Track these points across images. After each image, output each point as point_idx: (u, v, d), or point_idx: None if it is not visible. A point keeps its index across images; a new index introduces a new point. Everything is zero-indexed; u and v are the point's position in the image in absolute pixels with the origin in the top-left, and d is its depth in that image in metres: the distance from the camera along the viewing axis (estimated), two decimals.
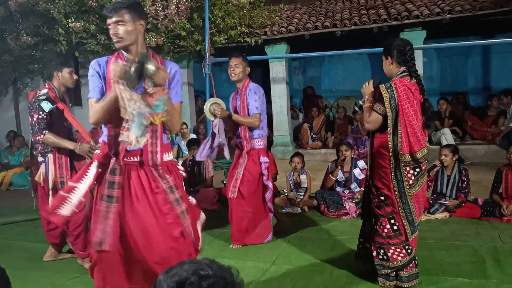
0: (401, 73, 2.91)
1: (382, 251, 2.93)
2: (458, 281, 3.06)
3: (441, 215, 4.63)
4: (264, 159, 3.97)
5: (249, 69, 4.02)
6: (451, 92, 9.08)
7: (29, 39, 6.75)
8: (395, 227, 2.88)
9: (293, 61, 10.88)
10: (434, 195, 4.84)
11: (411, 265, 2.94)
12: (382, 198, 2.88)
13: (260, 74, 10.69)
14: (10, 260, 3.80)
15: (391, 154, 2.82)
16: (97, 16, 6.75)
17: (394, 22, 7.51)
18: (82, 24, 6.51)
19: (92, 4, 6.48)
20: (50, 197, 3.40)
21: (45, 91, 3.38)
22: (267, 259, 3.59)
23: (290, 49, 8.55)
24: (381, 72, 3.13)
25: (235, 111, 3.98)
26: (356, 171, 5.07)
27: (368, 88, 3.03)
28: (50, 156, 3.43)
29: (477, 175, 6.07)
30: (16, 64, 7.80)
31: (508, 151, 4.60)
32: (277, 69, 8.53)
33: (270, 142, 8.44)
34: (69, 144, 3.36)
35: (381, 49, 3.05)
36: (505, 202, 4.51)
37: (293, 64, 11.02)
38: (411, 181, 2.81)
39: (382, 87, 2.84)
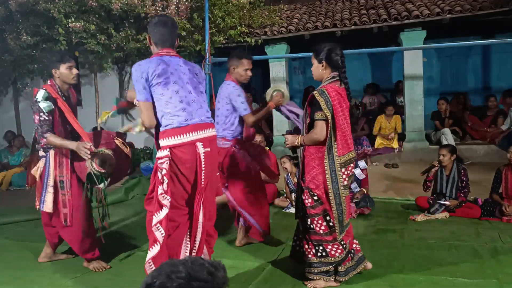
0: (330, 78, 2.98)
1: (321, 248, 2.98)
2: (458, 281, 3.06)
3: (441, 215, 4.63)
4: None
5: None
6: (451, 92, 9.07)
7: (29, 39, 6.75)
8: (330, 224, 2.95)
9: (293, 61, 10.87)
10: (434, 195, 4.84)
11: (347, 259, 3.02)
12: (315, 198, 2.95)
13: (260, 74, 10.68)
14: (10, 260, 3.81)
15: (325, 156, 2.87)
16: (97, 16, 6.75)
17: (394, 22, 7.51)
18: (82, 24, 6.51)
19: (92, 4, 6.48)
20: (48, 194, 3.36)
21: (43, 91, 3.31)
22: (267, 259, 3.59)
23: (290, 49, 8.55)
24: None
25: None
26: (357, 171, 5.06)
27: (291, 139, 3.07)
28: (52, 153, 3.38)
29: (477, 175, 6.07)
30: (16, 64, 7.79)
31: (508, 150, 4.60)
32: (277, 69, 8.53)
33: (270, 142, 8.45)
34: (70, 144, 3.27)
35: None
36: (505, 202, 4.51)
37: (293, 64, 11.01)
38: (345, 182, 2.91)
39: (316, 94, 2.89)
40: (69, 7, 6.50)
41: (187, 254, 2.80)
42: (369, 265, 3.19)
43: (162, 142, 2.69)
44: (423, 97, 7.85)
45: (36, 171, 3.45)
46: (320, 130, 2.87)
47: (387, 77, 9.94)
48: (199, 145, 2.72)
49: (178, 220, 2.77)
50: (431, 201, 4.73)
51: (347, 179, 2.92)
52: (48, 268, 3.60)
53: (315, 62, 3.03)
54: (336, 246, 2.96)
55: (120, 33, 6.89)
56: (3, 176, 7.35)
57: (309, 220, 3.00)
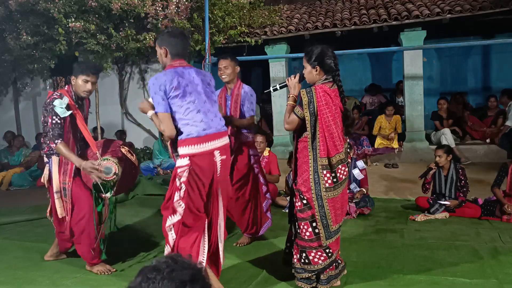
0: (323, 80, 2.97)
1: (304, 254, 2.94)
2: (458, 281, 3.06)
3: (441, 215, 4.63)
4: (253, 151, 4.06)
5: (238, 68, 4.05)
6: (451, 92, 9.08)
7: (29, 38, 6.74)
8: (316, 231, 2.89)
9: (293, 61, 10.87)
10: (434, 196, 4.84)
11: (331, 267, 2.97)
12: (305, 201, 2.91)
13: (260, 74, 10.69)
14: (10, 260, 3.81)
15: (310, 157, 2.87)
16: (97, 16, 6.75)
17: (394, 22, 7.51)
18: (82, 24, 6.52)
19: (92, 4, 6.48)
20: (56, 200, 3.35)
21: (65, 98, 3.27)
22: (267, 259, 3.59)
23: (290, 49, 8.55)
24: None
25: (224, 110, 4.00)
26: (356, 172, 5.07)
27: (293, 82, 3.02)
28: (54, 159, 3.35)
29: (478, 175, 6.07)
30: (16, 64, 7.79)
31: None
32: (277, 69, 8.53)
33: (270, 142, 8.44)
34: (75, 160, 3.24)
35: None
36: (506, 200, 4.50)
37: (293, 64, 11.00)
38: (327, 184, 2.85)
39: (302, 91, 2.90)
40: (69, 7, 6.50)
41: (205, 256, 2.87)
42: (344, 271, 3.18)
43: (182, 150, 2.79)
44: (423, 97, 7.85)
45: (43, 178, 3.44)
46: (290, 121, 2.94)
47: (387, 77, 9.93)
48: (217, 153, 2.85)
49: (192, 224, 2.83)
50: (431, 201, 4.73)
51: (329, 181, 2.84)
52: (49, 268, 3.60)
53: (308, 66, 2.97)
54: (319, 253, 2.91)
55: (120, 33, 6.89)
56: (3, 176, 7.35)
57: (297, 224, 2.98)
